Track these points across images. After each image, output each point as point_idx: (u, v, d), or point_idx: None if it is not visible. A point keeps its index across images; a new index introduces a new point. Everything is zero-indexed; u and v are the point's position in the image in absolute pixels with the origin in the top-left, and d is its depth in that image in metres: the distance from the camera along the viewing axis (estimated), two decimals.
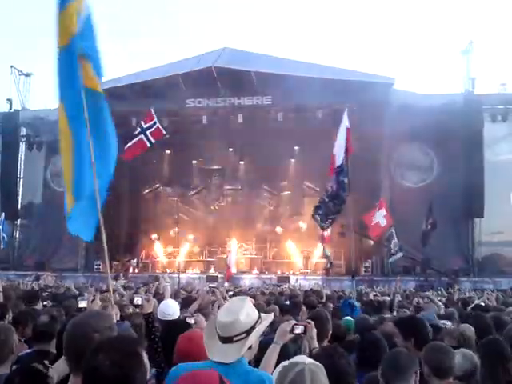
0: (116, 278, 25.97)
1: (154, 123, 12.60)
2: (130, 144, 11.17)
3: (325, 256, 28.43)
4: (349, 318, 7.48)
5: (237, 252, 32.59)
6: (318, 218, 13.11)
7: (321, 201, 13.08)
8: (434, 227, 25.65)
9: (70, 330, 3.03)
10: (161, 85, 29.35)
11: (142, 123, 12.28)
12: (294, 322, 4.16)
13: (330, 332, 5.68)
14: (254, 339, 3.43)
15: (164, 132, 12.57)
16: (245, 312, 3.39)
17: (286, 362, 2.90)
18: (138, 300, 5.53)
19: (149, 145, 12.32)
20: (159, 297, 11.06)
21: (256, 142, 31.00)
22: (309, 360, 2.90)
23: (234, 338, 3.33)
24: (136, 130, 11.97)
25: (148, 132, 12.40)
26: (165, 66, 33.23)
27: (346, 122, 12.28)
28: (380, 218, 19.96)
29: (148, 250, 35.65)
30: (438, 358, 4.06)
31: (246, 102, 31.05)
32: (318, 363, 2.89)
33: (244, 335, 3.35)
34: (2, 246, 27.97)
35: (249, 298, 3.67)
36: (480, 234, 29.72)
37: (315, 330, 4.45)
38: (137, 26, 55.43)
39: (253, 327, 3.40)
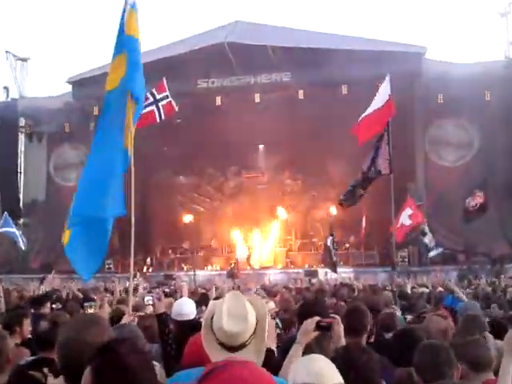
0: (132, 278, 26.16)
1: (167, 96, 12.47)
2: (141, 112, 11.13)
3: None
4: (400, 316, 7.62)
5: (244, 244, 32.70)
6: (342, 199, 13.21)
7: (350, 187, 13.16)
8: (483, 209, 24.78)
9: (63, 343, 3.10)
10: (169, 64, 29.32)
11: (155, 92, 12.15)
12: (318, 318, 4.15)
13: (368, 327, 5.61)
14: (265, 333, 3.30)
15: (176, 109, 12.41)
16: (250, 310, 3.24)
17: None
18: (149, 300, 5.63)
19: (158, 119, 12.20)
20: (176, 296, 11.21)
21: (276, 122, 30.92)
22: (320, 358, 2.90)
23: (247, 343, 3.20)
24: (148, 98, 11.77)
25: (160, 104, 12.27)
26: (172, 43, 33.28)
27: (388, 88, 12.19)
28: (405, 218, 19.60)
29: (163, 246, 35.90)
30: (477, 352, 4.08)
31: (262, 79, 31.04)
32: (328, 360, 2.87)
33: (253, 335, 3.22)
34: (23, 248, 28.29)
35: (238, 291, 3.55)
36: None
37: (342, 326, 4.46)
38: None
39: (257, 322, 3.26)
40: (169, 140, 33.62)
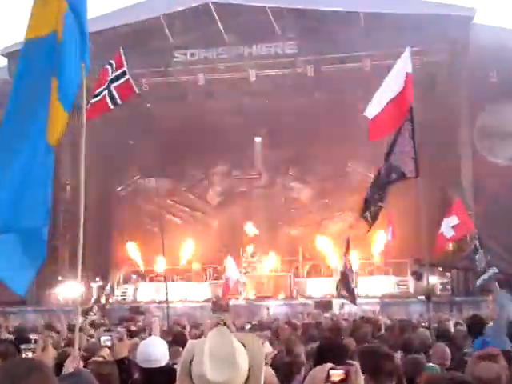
0: (86, 313, 26.06)
1: (123, 73, 12.17)
2: (93, 100, 10.89)
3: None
4: (431, 364, 7.56)
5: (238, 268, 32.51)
6: (367, 215, 13.04)
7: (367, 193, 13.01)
8: None
9: None
10: (137, 32, 29.33)
11: (111, 67, 11.93)
12: (330, 365, 4.11)
13: (396, 375, 5.56)
14: (261, 383, 3.24)
15: (136, 90, 12.10)
16: (240, 352, 3.15)
17: None
18: (106, 340, 5.57)
19: (112, 106, 11.92)
20: (144, 336, 11.17)
21: (277, 107, 30.91)
22: None
23: None
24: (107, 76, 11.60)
25: (113, 86, 11.95)
26: (138, 3, 33.23)
27: (407, 65, 12.12)
28: (447, 227, 18.80)
29: (126, 270, 35.75)
30: None
31: (259, 51, 30.98)
32: None
33: None
34: None
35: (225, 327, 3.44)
36: None
37: (362, 377, 4.41)
38: None
39: (250, 368, 3.21)
40: (136, 131, 33.53)
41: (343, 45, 28.56)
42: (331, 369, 3.99)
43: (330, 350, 5.38)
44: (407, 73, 11.82)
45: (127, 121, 29.98)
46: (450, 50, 27.83)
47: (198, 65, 31.44)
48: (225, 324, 10.44)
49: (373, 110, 11.95)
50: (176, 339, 9.46)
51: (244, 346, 3.20)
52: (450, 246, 24.25)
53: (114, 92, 11.74)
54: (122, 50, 12.60)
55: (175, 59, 31.22)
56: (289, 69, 30.93)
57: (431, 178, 27.34)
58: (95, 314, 26.77)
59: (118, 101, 11.90)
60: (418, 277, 29.25)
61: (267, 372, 4.66)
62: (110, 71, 11.80)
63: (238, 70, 31.31)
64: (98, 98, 11.47)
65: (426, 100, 24.37)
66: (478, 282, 26.22)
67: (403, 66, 12.02)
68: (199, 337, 10.38)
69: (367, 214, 13.04)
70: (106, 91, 11.59)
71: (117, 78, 11.82)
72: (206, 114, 31.74)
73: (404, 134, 11.70)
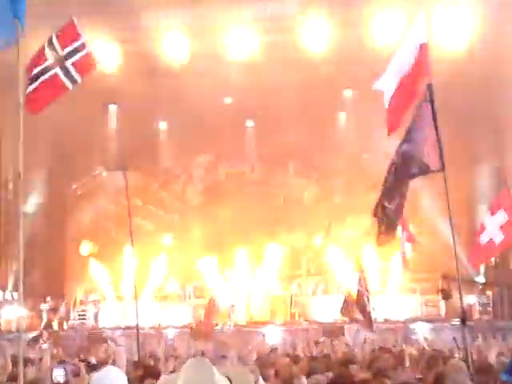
0: (35, 341, 26.04)
1: (81, 45, 11.99)
2: (34, 85, 10.65)
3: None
4: None
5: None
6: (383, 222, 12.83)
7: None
8: None
9: None
10: None
11: (57, 46, 11.72)
12: None
13: None
14: None
15: (97, 63, 11.97)
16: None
17: None
18: (59, 375, 5.51)
19: (71, 86, 11.73)
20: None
21: (273, 85, 30.88)
22: None
23: None
24: (45, 59, 11.42)
25: (70, 62, 11.76)
26: None
27: (421, 34, 12.03)
28: (494, 229, 17.48)
29: (84, 287, 35.69)
30: None
31: (252, 11, 30.87)
32: None
33: None
34: None
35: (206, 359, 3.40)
36: None
37: None
38: None
39: None
40: (97, 114, 33.48)
41: (357, 3, 28.56)
42: None
43: None
44: (421, 44, 11.71)
45: (84, 100, 29.81)
46: (492, 13, 27.71)
47: (172, 30, 31.26)
48: (203, 354, 10.49)
49: (385, 87, 11.88)
50: (148, 372, 9.43)
51: (230, 382, 3.19)
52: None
53: (72, 69, 11.53)
54: (75, 21, 12.36)
55: (144, 22, 31.00)
56: (289, 34, 30.78)
57: (466, 172, 27.45)
58: (45, 343, 26.74)
59: (78, 79, 11.67)
60: (445, 295, 29.31)
61: None
62: (53, 54, 11.54)
63: (223, 36, 31.13)
64: (43, 77, 11.25)
65: (460, 76, 24.44)
66: None
67: (416, 34, 11.90)
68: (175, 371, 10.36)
69: (386, 229, 12.77)
70: (58, 69, 11.38)
71: (72, 53, 11.59)
72: (185, 91, 31.57)
73: (421, 118, 11.55)
